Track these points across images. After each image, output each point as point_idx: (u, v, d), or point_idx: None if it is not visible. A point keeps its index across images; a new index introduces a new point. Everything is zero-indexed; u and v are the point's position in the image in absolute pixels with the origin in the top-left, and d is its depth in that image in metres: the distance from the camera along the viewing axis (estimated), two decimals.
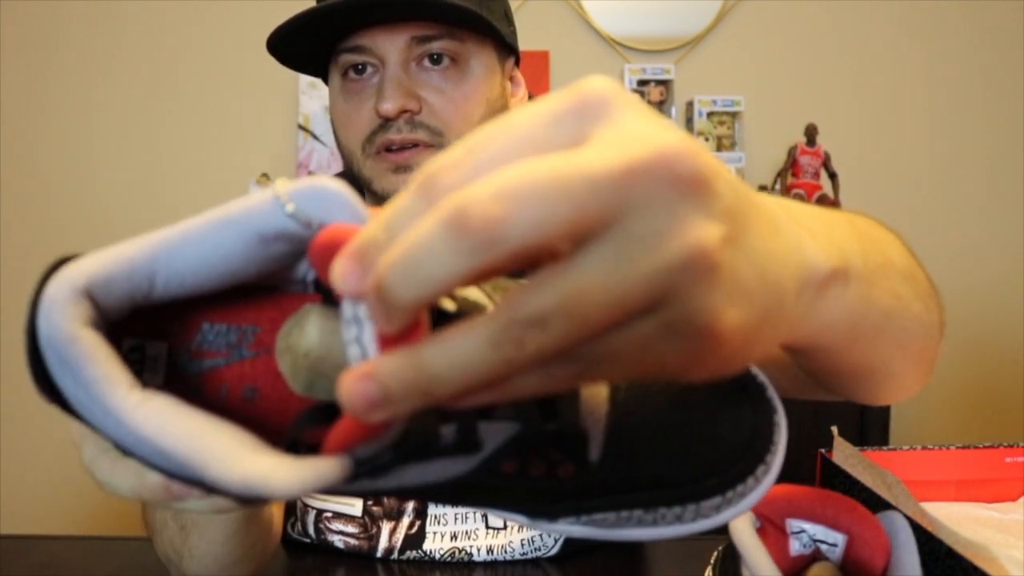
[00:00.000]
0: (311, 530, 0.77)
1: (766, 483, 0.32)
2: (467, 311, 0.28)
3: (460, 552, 0.75)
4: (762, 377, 0.33)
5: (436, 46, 0.71)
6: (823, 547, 0.41)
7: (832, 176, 1.78)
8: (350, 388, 0.21)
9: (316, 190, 0.26)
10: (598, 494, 0.31)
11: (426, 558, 0.75)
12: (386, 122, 0.71)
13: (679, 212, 0.20)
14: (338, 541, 0.76)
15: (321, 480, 0.25)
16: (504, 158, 0.21)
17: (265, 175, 1.88)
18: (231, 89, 1.94)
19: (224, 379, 0.31)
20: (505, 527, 0.76)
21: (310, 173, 1.90)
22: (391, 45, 0.71)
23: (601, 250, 0.20)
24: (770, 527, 0.42)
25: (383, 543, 0.76)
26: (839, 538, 0.40)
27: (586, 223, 0.20)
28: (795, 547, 0.42)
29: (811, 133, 1.78)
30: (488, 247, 0.19)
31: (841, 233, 0.34)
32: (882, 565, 0.39)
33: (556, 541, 0.76)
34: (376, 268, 0.21)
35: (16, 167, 1.93)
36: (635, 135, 0.21)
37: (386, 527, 0.76)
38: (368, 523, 0.76)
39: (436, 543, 0.75)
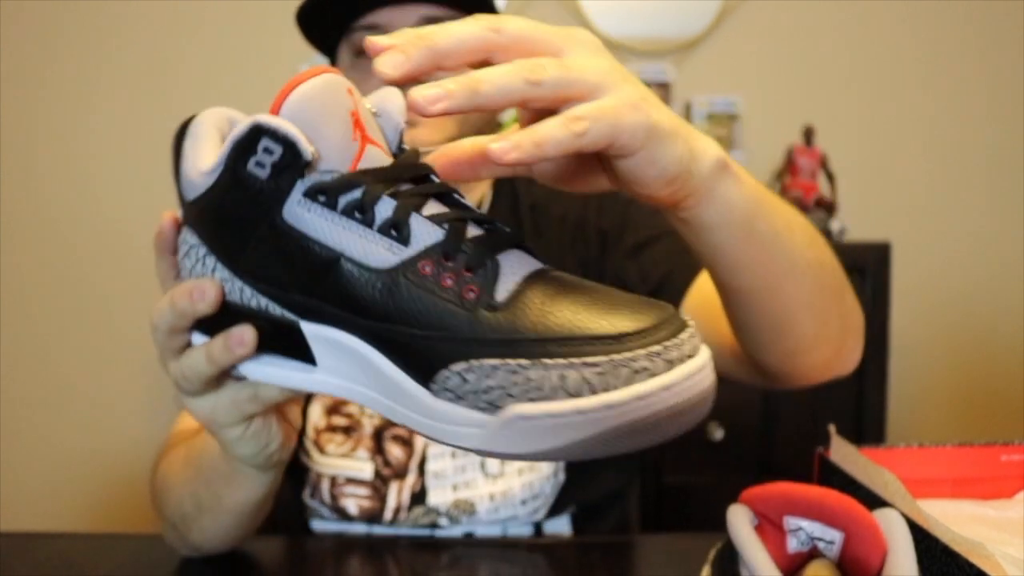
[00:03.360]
0: (326, 497, 0.81)
1: (694, 342, 0.34)
2: None
3: (464, 504, 0.79)
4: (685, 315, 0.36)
5: None
6: (820, 544, 0.41)
7: (830, 177, 1.78)
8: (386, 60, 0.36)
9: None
10: (496, 336, 0.33)
11: (433, 513, 0.79)
12: None
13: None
14: (351, 505, 0.80)
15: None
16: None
17: None
18: (231, 89, 1.94)
19: None
20: (502, 474, 0.79)
21: None
22: (404, 24, 0.77)
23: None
24: (768, 524, 0.43)
25: (391, 502, 0.80)
26: (836, 535, 0.41)
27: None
28: (793, 544, 0.42)
29: (809, 134, 1.78)
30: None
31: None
32: (879, 562, 0.40)
33: (552, 488, 0.80)
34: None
35: (16, 167, 1.93)
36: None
37: (394, 487, 0.80)
38: (379, 485, 0.80)
39: (439, 497, 0.80)
